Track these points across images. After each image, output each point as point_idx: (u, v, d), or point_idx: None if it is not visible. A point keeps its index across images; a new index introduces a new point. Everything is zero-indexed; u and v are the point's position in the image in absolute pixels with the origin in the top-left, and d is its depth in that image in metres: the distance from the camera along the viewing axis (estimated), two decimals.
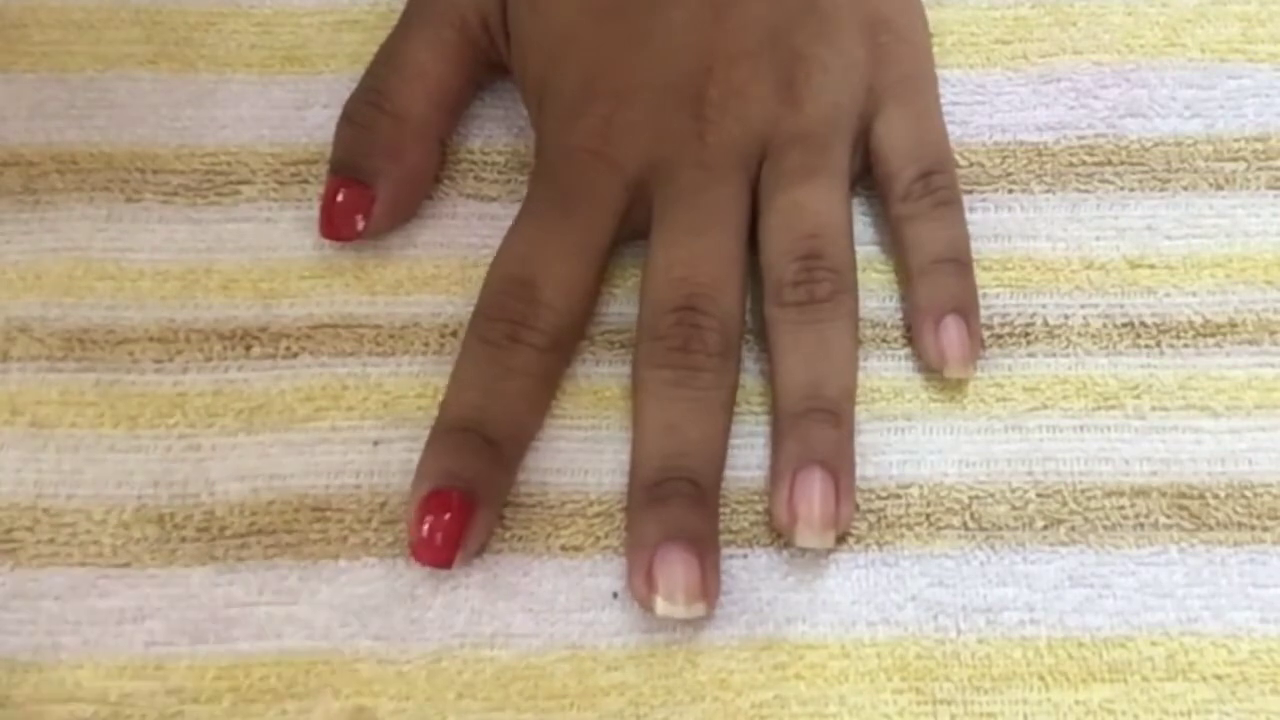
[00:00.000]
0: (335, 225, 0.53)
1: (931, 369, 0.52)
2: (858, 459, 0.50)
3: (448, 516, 0.48)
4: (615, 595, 0.49)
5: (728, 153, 0.53)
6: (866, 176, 0.56)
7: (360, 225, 0.53)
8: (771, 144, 0.53)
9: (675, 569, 0.47)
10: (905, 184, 0.54)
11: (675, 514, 0.48)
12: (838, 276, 0.52)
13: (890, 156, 0.54)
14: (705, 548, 0.48)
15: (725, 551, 0.49)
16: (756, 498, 0.50)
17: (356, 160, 0.54)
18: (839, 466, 0.49)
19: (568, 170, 0.53)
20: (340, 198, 0.53)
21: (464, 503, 0.48)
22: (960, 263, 0.53)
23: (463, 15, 0.56)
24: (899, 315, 0.54)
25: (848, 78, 0.54)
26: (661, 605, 0.47)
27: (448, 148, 0.56)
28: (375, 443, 0.51)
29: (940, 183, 0.54)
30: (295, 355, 0.52)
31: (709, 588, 0.48)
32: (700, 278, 0.51)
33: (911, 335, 0.53)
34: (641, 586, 0.48)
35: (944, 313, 0.52)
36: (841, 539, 0.49)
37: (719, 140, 0.53)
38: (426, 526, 0.48)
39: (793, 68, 0.54)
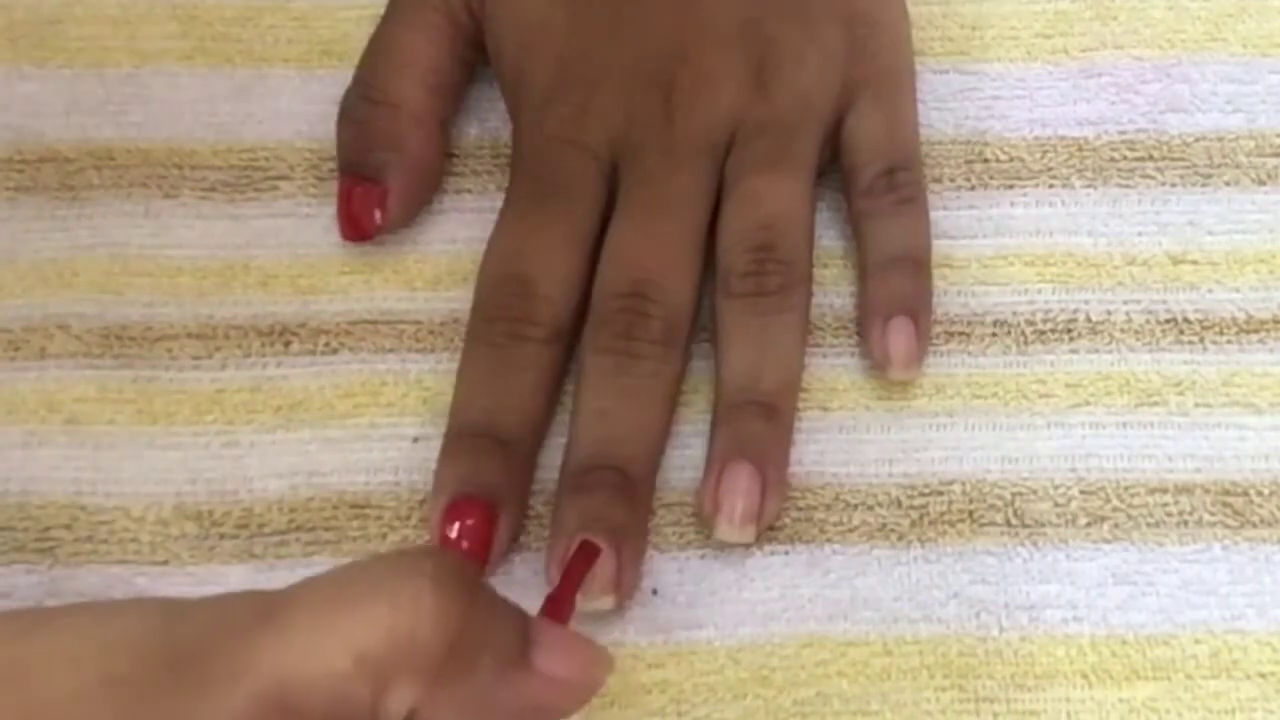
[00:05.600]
0: (354, 224, 0.53)
1: (876, 368, 0.52)
2: (900, 455, 0.51)
3: (471, 524, 0.48)
4: (655, 592, 0.49)
5: (695, 139, 0.53)
6: (837, 169, 0.55)
7: (378, 220, 0.53)
8: (740, 132, 0.53)
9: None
10: (869, 179, 0.54)
11: (596, 504, 0.48)
12: (789, 269, 0.51)
13: (857, 150, 0.54)
14: (623, 539, 0.48)
15: (766, 548, 0.49)
16: (798, 494, 0.50)
17: (361, 157, 0.54)
18: (768, 461, 0.49)
19: (546, 160, 0.53)
20: (353, 197, 0.53)
21: (486, 508, 0.48)
22: (916, 262, 0.53)
23: (448, 0, 0.55)
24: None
25: (822, 69, 0.54)
26: None
27: (485, 142, 0.57)
28: (415, 439, 0.51)
29: (904, 180, 0.54)
30: (334, 351, 0.52)
31: (623, 581, 0.47)
32: (651, 264, 0.51)
33: (859, 331, 0.53)
34: (555, 574, 0.47)
35: (894, 313, 0.51)
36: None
37: (686, 126, 0.53)
38: (452, 536, 0.48)
39: (765, 56, 0.54)
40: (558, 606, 0.43)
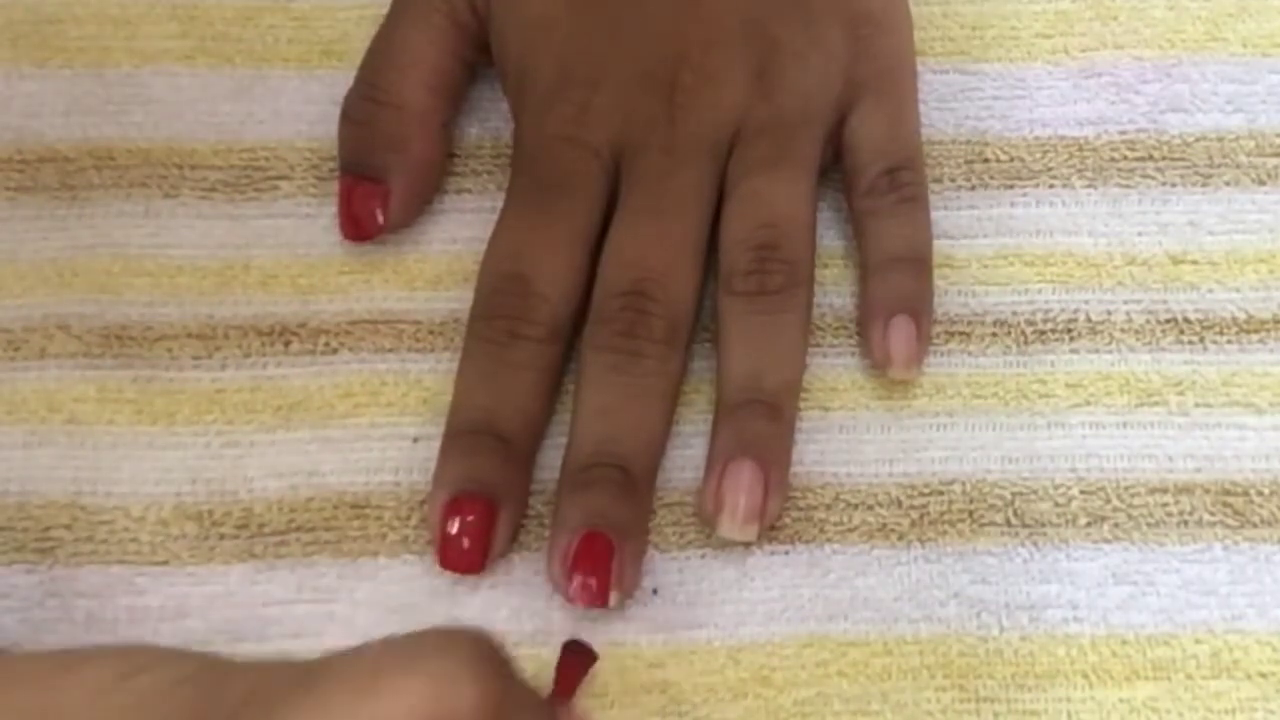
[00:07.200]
0: (356, 225, 0.53)
1: (876, 367, 0.52)
2: (900, 455, 0.51)
3: (471, 520, 0.48)
4: (655, 592, 0.49)
5: (696, 139, 0.53)
6: (837, 169, 0.55)
7: (380, 220, 0.53)
8: (742, 132, 0.53)
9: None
10: (871, 178, 0.54)
11: (598, 501, 0.48)
12: (792, 269, 0.51)
13: (860, 150, 0.54)
14: (624, 537, 0.48)
15: (766, 548, 0.49)
16: (798, 494, 0.50)
17: (363, 157, 0.54)
18: (771, 460, 0.49)
19: (546, 159, 0.53)
20: (355, 197, 0.53)
21: (486, 505, 0.48)
22: (918, 262, 0.53)
23: (450, 1, 0.55)
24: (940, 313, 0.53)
25: (824, 69, 0.54)
26: (575, 591, 0.47)
27: (485, 142, 0.57)
28: (414, 439, 0.51)
29: (906, 179, 0.54)
30: (334, 351, 0.52)
31: (625, 578, 0.48)
32: (652, 263, 0.51)
33: (859, 330, 0.53)
34: (558, 571, 0.47)
35: (895, 312, 0.51)
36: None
37: (688, 126, 0.53)
38: (453, 533, 0.48)
39: (768, 57, 0.54)
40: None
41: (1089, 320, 0.53)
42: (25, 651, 0.46)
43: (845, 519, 0.50)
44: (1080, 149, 0.56)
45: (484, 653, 0.36)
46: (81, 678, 0.35)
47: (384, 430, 0.51)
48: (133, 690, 0.35)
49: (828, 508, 0.50)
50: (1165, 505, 0.50)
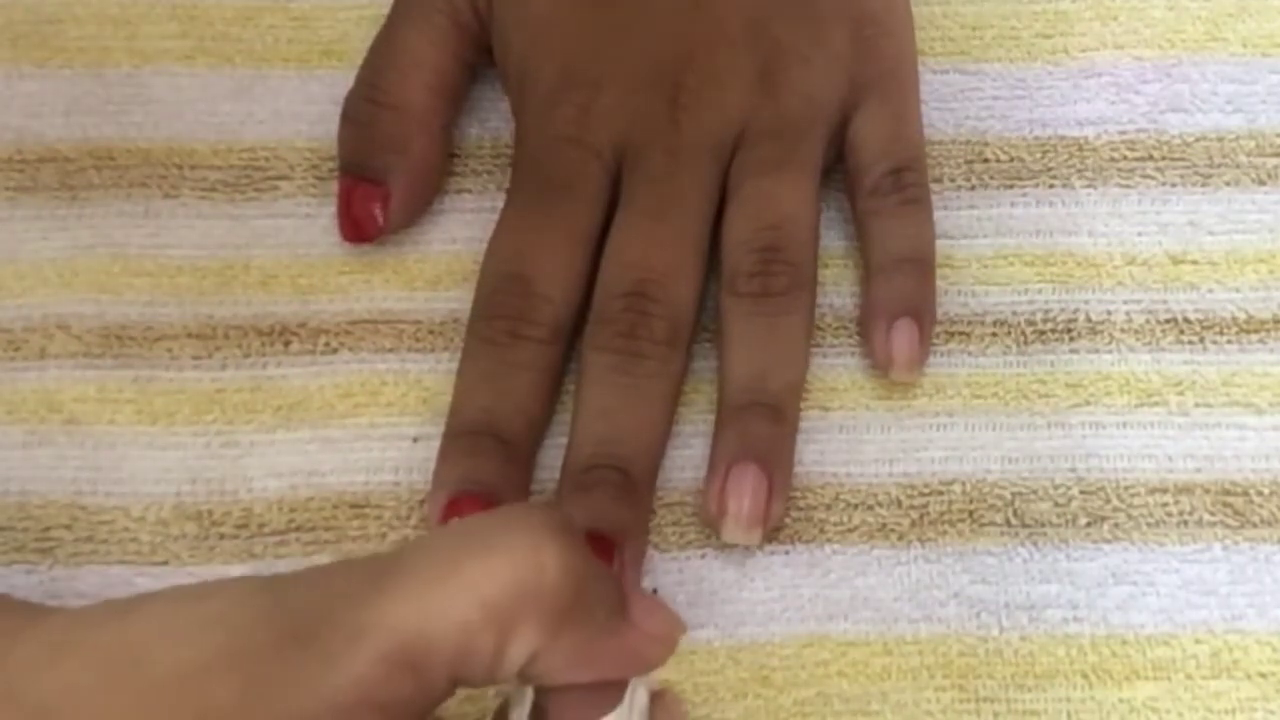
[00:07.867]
0: (355, 226, 0.53)
1: (878, 369, 0.52)
2: (900, 455, 0.51)
3: None
4: (655, 592, 0.49)
5: (700, 140, 0.53)
6: (838, 169, 0.55)
7: (380, 222, 0.53)
8: (746, 134, 0.53)
9: None
10: (875, 178, 0.54)
11: (599, 503, 0.48)
12: (795, 270, 0.51)
13: (863, 150, 0.54)
14: (625, 539, 0.48)
15: (766, 548, 0.49)
16: (798, 494, 0.50)
17: (363, 159, 0.54)
18: (774, 463, 0.49)
19: (549, 159, 0.53)
20: (355, 198, 0.53)
21: (486, 506, 0.48)
22: (921, 263, 0.53)
23: (452, 2, 0.55)
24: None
25: (828, 70, 0.54)
26: None
27: (485, 142, 0.57)
28: (414, 439, 0.51)
29: (910, 180, 0.54)
30: (334, 351, 0.52)
31: (625, 581, 0.48)
32: (654, 263, 0.51)
33: (861, 331, 0.53)
34: None
35: (898, 314, 0.51)
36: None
37: (692, 127, 0.53)
38: None
39: (772, 58, 0.54)
40: None
41: (1089, 320, 0.53)
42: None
43: (845, 519, 0.50)
44: (1080, 149, 0.56)
45: (560, 525, 0.36)
46: (151, 611, 0.36)
47: (384, 430, 0.51)
48: (206, 614, 0.35)
49: (828, 508, 0.50)
50: (1165, 505, 0.50)
